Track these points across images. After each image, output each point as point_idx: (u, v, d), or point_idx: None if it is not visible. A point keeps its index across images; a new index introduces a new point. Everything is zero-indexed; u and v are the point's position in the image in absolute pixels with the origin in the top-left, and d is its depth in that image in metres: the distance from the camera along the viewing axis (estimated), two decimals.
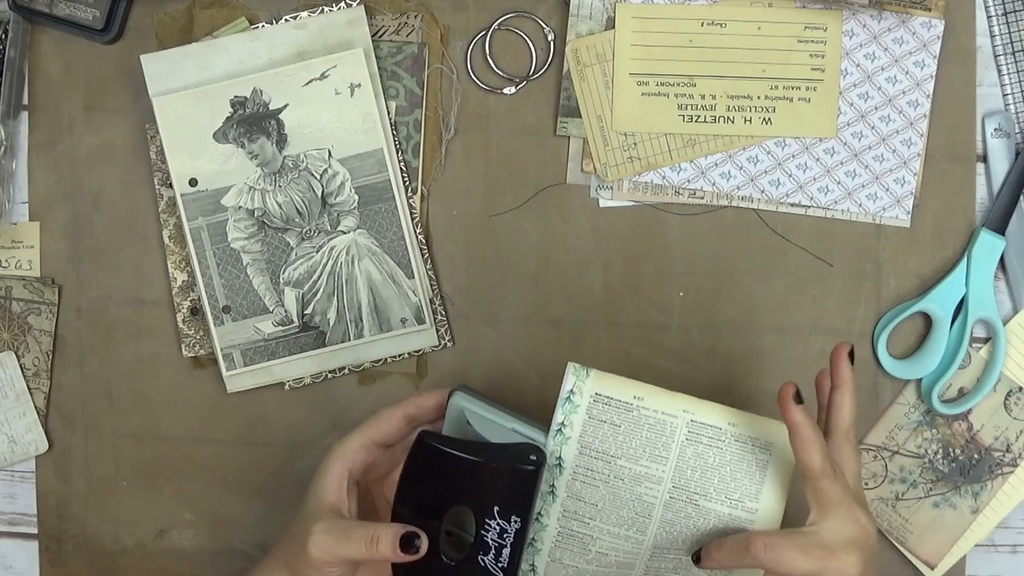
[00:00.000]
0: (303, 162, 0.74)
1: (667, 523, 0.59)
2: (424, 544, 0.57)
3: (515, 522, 0.57)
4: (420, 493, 0.59)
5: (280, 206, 0.74)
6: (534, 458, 0.58)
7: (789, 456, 0.57)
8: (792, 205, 0.74)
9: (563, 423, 0.59)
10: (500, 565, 0.58)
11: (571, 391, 0.59)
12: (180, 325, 0.76)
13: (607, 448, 0.59)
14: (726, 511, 0.58)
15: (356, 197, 0.74)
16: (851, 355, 0.59)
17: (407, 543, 0.56)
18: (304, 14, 0.74)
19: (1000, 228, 0.73)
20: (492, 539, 0.58)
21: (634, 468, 0.59)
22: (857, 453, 0.59)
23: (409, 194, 0.75)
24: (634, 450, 0.59)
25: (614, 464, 0.59)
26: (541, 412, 0.62)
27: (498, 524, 0.57)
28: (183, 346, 0.76)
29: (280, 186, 0.74)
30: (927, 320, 0.74)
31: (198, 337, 0.76)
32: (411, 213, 0.75)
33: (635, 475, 0.59)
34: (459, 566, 0.58)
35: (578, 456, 0.59)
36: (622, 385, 0.59)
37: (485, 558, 0.58)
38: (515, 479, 0.58)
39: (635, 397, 0.59)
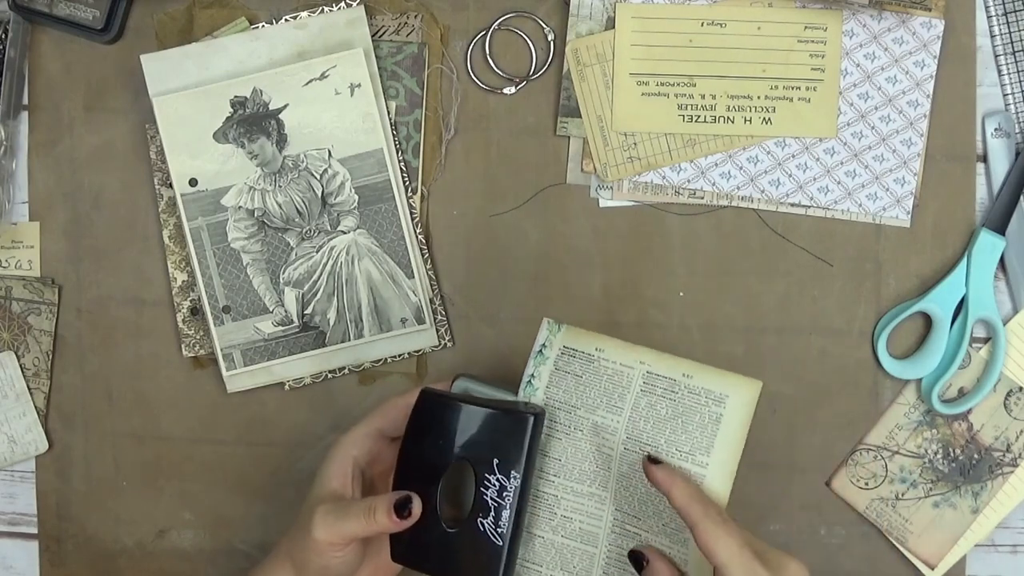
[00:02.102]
0: (303, 162, 0.74)
1: (623, 477, 0.59)
2: (417, 506, 0.57)
3: (514, 478, 0.57)
4: (421, 452, 0.59)
5: (280, 206, 0.74)
6: (534, 410, 0.59)
7: (744, 410, 0.58)
8: (792, 205, 0.74)
9: (533, 375, 0.61)
10: (500, 531, 0.57)
11: (543, 344, 0.61)
12: (180, 325, 0.76)
13: (569, 399, 0.61)
14: (675, 464, 0.59)
15: (356, 197, 0.74)
16: (653, 460, 0.57)
17: (401, 508, 0.57)
18: (304, 14, 0.74)
19: (1000, 228, 0.73)
20: (491, 498, 0.57)
21: (591, 418, 0.60)
22: (732, 532, 0.54)
23: (409, 194, 0.75)
24: (592, 400, 0.60)
25: (574, 415, 0.60)
26: None
27: (497, 480, 0.57)
28: (183, 346, 0.76)
29: (280, 186, 0.74)
30: (927, 320, 0.74)
31: (198, 337, 0.76)
32: (411, 213, 0.75)
33: (593, 425, 0.60)
34: (459, 532, 0.58)
35: (544, 407, 0.61)
36: (587, 338, 0.61)
37: (484, 521, 0.57)
38: (514, 428, 0.58)
39: (597, 349, 0.61)
